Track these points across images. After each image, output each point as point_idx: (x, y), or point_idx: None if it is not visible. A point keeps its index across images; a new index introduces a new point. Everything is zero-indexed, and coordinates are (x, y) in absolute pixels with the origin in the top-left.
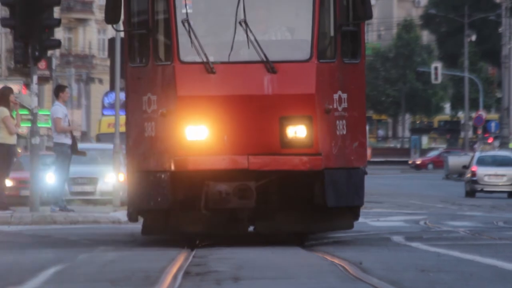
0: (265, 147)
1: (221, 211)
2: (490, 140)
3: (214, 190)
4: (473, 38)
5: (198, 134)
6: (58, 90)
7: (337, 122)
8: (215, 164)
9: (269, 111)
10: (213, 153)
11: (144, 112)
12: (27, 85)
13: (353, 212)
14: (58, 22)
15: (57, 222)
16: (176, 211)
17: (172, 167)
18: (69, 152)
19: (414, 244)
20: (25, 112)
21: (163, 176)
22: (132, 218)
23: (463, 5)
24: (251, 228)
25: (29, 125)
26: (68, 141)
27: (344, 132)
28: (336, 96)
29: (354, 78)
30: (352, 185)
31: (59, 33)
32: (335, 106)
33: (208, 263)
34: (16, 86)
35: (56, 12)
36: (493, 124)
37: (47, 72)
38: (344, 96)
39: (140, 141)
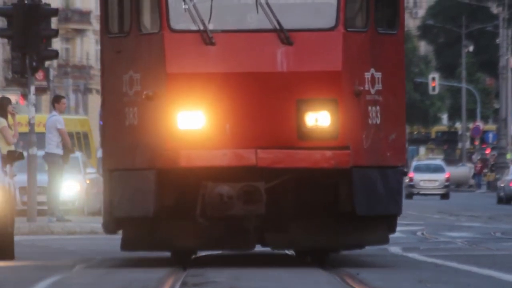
0: (278, 138)
1: (221, 219)
2: (487, 151)
3: (213, 193)
4: (471, 48)
5: (193, 121)
6: (54, 101)
7: (369, 108)
8: (214, 160)
9: (284, 93)
10: (212, 146)
11: (124, 95)
12: (25, 96)
13: (389, 222)
14: (55, 33)
15: (54, 232)
16: (165, 220)
17: (160, 164)
18: (61, 162)
19: (411, 255)
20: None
21: (148, 175)
22: (108, 229)
23: (460, 16)
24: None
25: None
26: (59, 151)
27: (378, 121)
28: (368, 75)
29: (390, 52)
30: (387, 188)
31: (56, 44)
32: (366, 88)
33: (206, 274)
34: (13, 97)
35: (54, 22)
36: (490, 135)
37: (44, 83)
38: (378, 75)
39: (119, 132)
